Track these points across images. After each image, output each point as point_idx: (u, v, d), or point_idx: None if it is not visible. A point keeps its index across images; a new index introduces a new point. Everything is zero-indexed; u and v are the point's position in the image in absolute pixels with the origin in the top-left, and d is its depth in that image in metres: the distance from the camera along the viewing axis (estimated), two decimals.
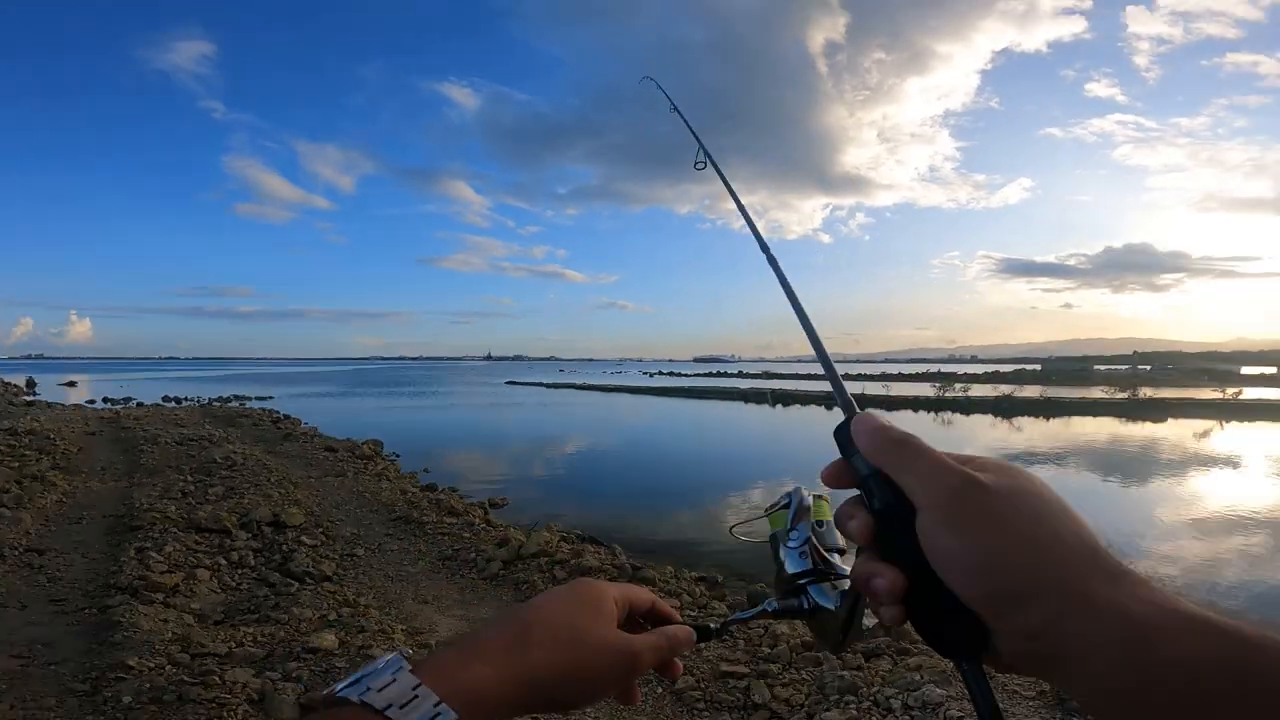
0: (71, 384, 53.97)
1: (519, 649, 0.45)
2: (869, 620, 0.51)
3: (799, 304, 0.64)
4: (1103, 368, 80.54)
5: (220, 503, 8.10)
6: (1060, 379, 64.39)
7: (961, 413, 32.45)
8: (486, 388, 56.97)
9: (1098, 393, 41.52)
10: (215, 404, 30.93)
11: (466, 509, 8.57)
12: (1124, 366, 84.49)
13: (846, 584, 0.52)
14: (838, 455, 0.46)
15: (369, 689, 0.40)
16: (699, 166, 0.90)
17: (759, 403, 37.73)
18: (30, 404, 27.07)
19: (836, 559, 0.54)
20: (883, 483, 0.43)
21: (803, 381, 58.90)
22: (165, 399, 34.70)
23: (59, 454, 11.68)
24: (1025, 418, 29.68)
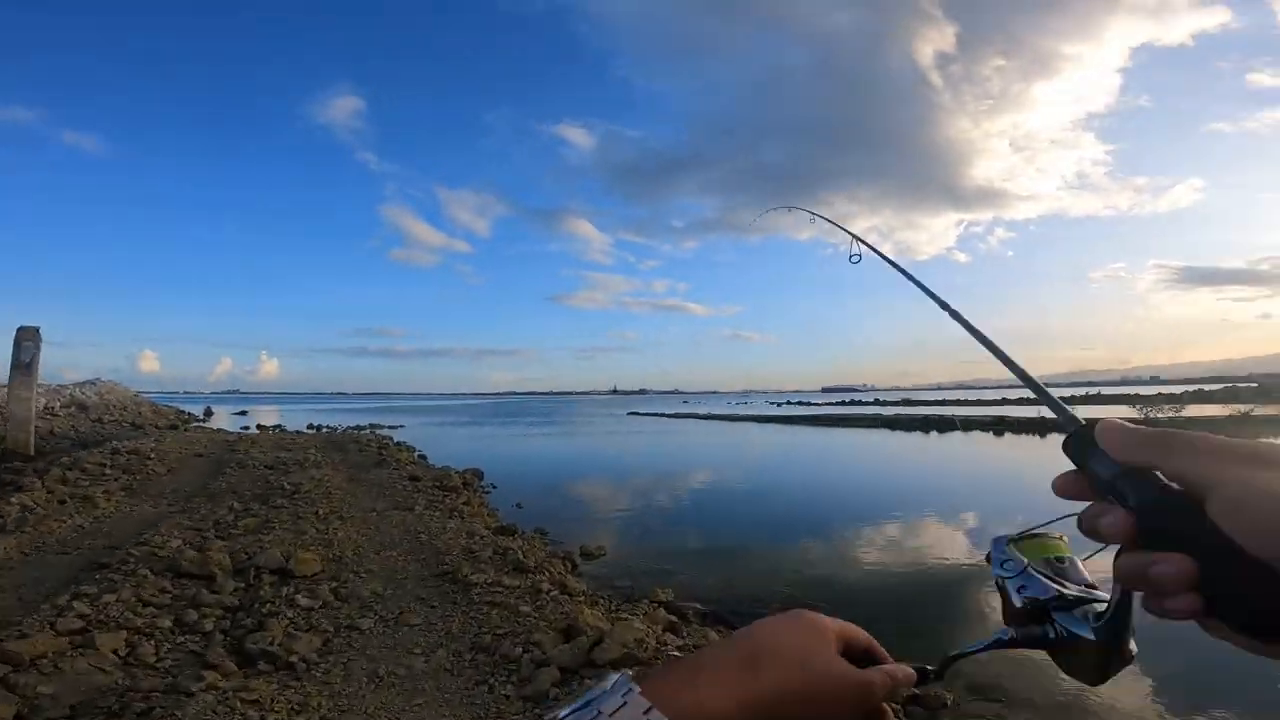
0: (242, 413, 59.53)
1: (750, 670, 0.44)
2: (1135, 643, 0.46)
3: (990, 341, 0.65)
4: None
5: (241, 538, 6.45)
6: None
7: None
8: (609, 419, 55.83)
9: None
10: (347, 431, 31.68)
11: (541, 563, 6.28)
12: None
13: (1100, 607, 0.46)
14: (1054, 480, 0.43)
15: (599, 713, 0.40)
16: (854, 260, 0.94)
17: (909, 430, 32.93)
18: (189, 428, 29.02)
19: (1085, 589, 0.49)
20: (1139, 479, 0.39)
21: (954, 408, 52.40)
22: (309, 426, 36.45)
23: (143, 475, 11.01)
24: None
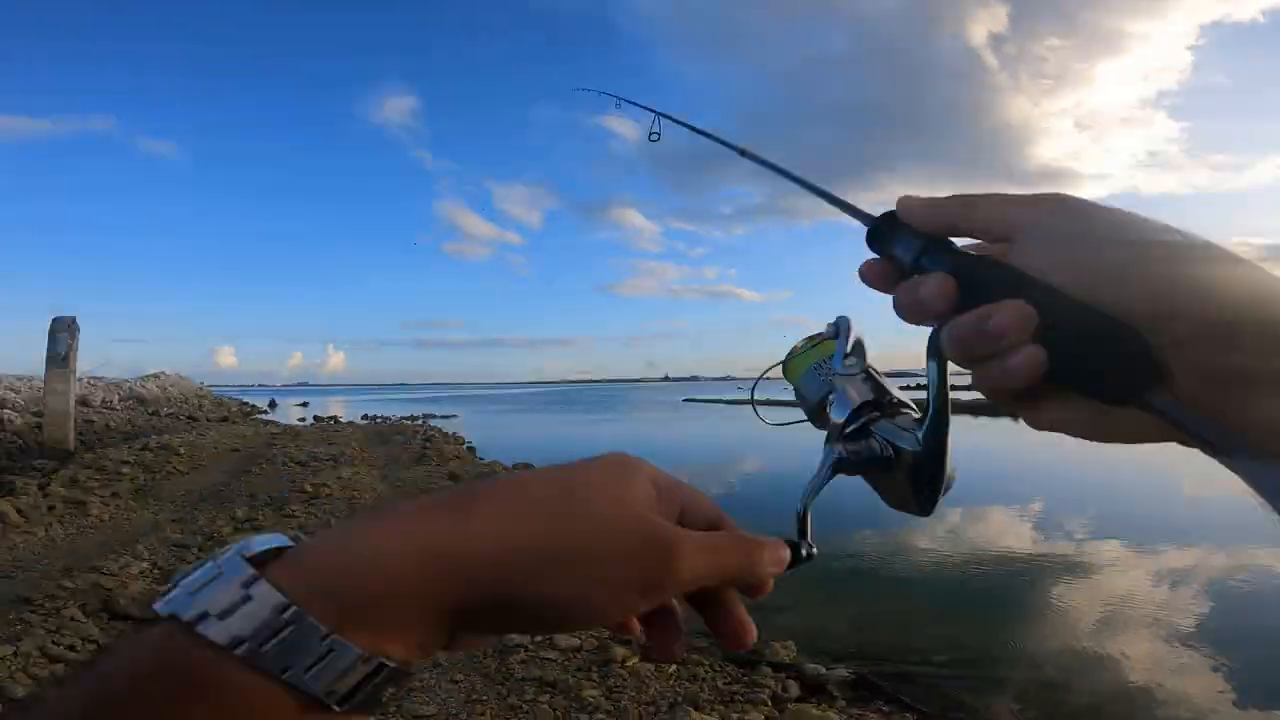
0: (304, 404, 60.71)
1: (457, 512, 0.28)
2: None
3: (787, 170, 0.55)
4: None
5: None
6: None
7: None
8: (664, 406, 54.16)
9: None
10: (400, 421, 31.11)
11: None
12: None
13: (915, 414, 0.41)
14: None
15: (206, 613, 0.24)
16: (654, 139, 0.87)
17: (995, 415, 30.10)
18: (248, 420, 28.91)
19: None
20: (946, 244, 0.36)
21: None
22: (363, 417, 36.33)
23: (163, 473, 10.00)
24: None
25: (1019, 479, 13.35)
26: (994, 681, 4.33)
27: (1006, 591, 6.32)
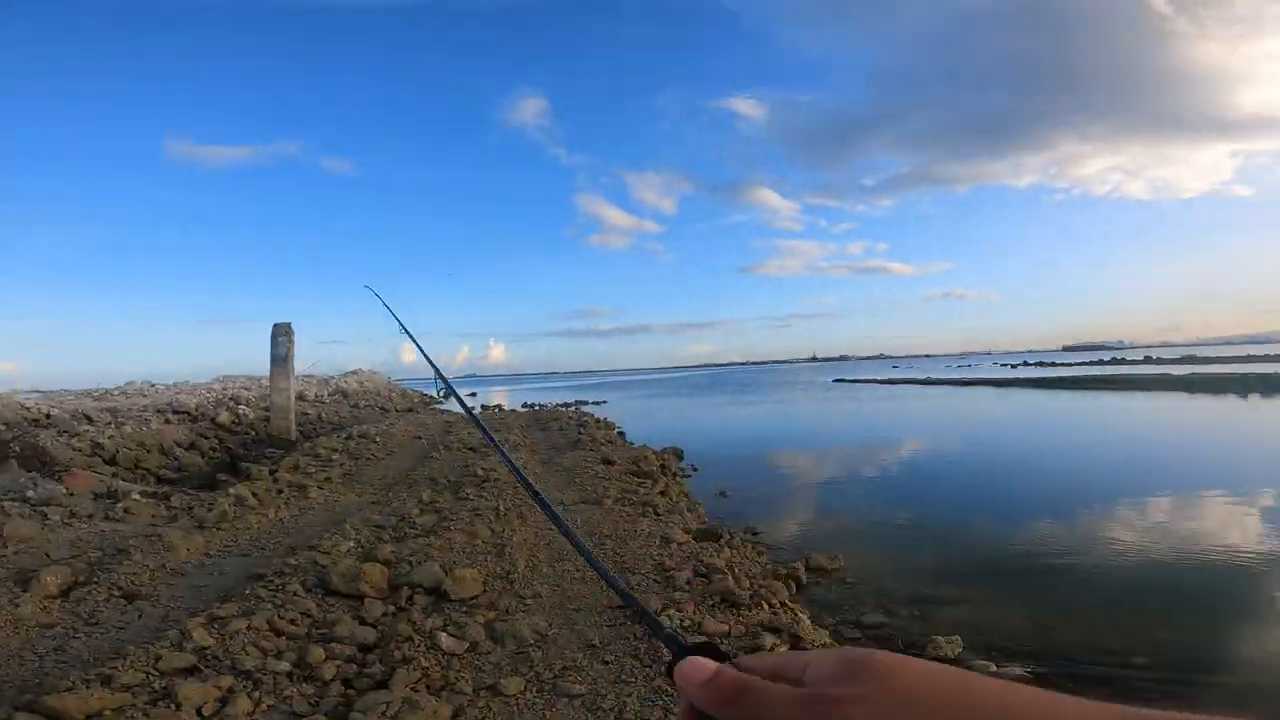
0: (473, 394, 66.48)
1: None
2: None
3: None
4: None
5: (414, 539, 5.71)
6: None
7: None
8: (813, 387, 52.32)
9: None
10: (555, 408, 32.97)
11: (759, 589, 4.61)
12: None
13: None
14: None
15: None
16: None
17: (1215, 392, 25.52)
18: (429, 407, 32.27)
19: None
20: None
21: (1258, 365, 40.53)
22: (524, 404, 39.01)
23: (364, 459, 11.43)
24: None
25: (1237, 464, 11.28)
26: (1208, 686, 3.77)
27: (1224, 590, 5.39)
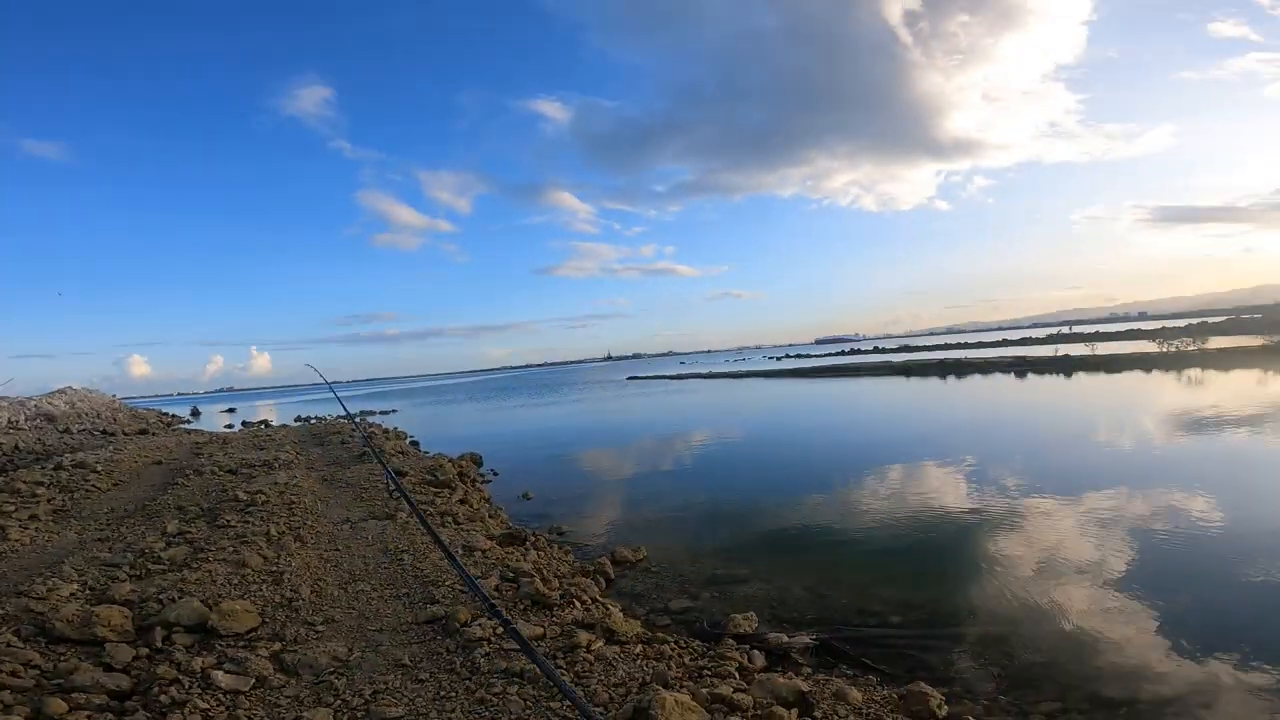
0: (230, 410, 57.64)
1: None
2: None
3: None
4: None
5: (163, 575, 4.81)
6: None
7: (1216, 369, 24.59)
8: (609, 386, 54.15)
9: None
10: (336, 420, 29.93)
11: (569, 589, 4.63)
12: None
13: None
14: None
15: None
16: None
17: (924, 375, 31.48)
18: (170, 430, 27.22)
19: None
20: None
21: (962, 351, 51.10)
22: (297, 419, 34.88)
23: (82, 491, 9.34)
24: None
25: (947, 435, 14.08)
26: (950, 639, 4.46)
27: (951, 548, 6.64)
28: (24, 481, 9.79)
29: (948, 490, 8.73)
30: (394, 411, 38.31)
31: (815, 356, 75.15)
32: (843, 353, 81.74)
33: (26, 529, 6.95)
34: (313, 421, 30.57)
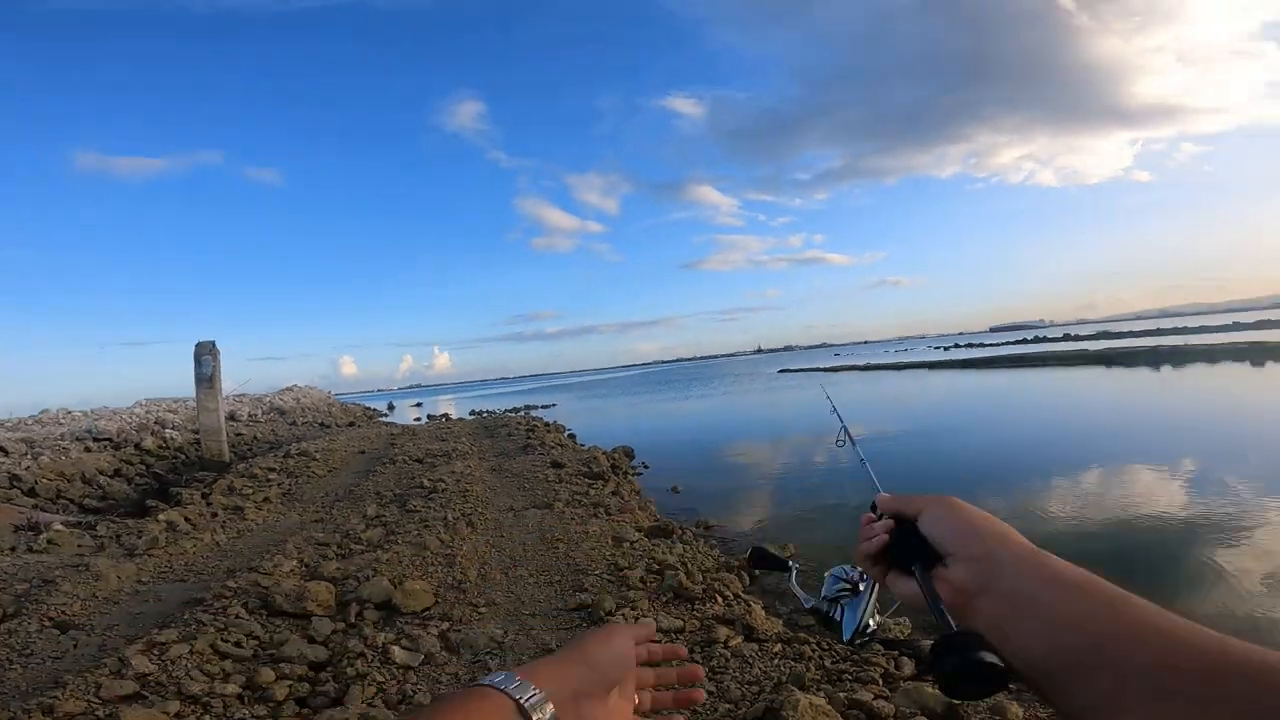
0: (418, 405, 64.85)
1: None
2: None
3: None
4: None
5: (360, 555, 5.58)
6: None
7: None
8: (759, 378, 53.29)
9: None
10: (504, 414, 32.50)
11: (711, 583, 4.68)
12: None
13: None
14: None
15: (509, 688, 0.53)
16: (840, 444, 1.39)
17: (1129, 365, 27.33)
18: (371, 423, 31.26)
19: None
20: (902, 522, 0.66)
21: (1175, 336, 43.68)
22: (471, 412, 38.29)
23: (304, 476, 11.04)
24: None
25: (1154, 432, 12.14)
26: None
27: (1157, 558, 5.80)
28: (260, 468, 11.77)
29: (1157, 493, 7.55)
30: (554, 406, 40.69)
31: (990, 345, 68.16)
32: (1024, 340, 73.37)
33: (260, 510, 8.36)
34: (485, 415, 33.48)
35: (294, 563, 5.47)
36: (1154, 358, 28.12)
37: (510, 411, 34.56)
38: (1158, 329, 64.64)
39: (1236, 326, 56.86)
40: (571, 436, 18.96)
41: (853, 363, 57.15)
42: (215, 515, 7.93)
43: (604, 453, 12.75)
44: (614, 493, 8.65)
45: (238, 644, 3.82)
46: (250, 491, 9.49)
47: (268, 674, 3.42)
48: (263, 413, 28.84)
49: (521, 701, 0.51)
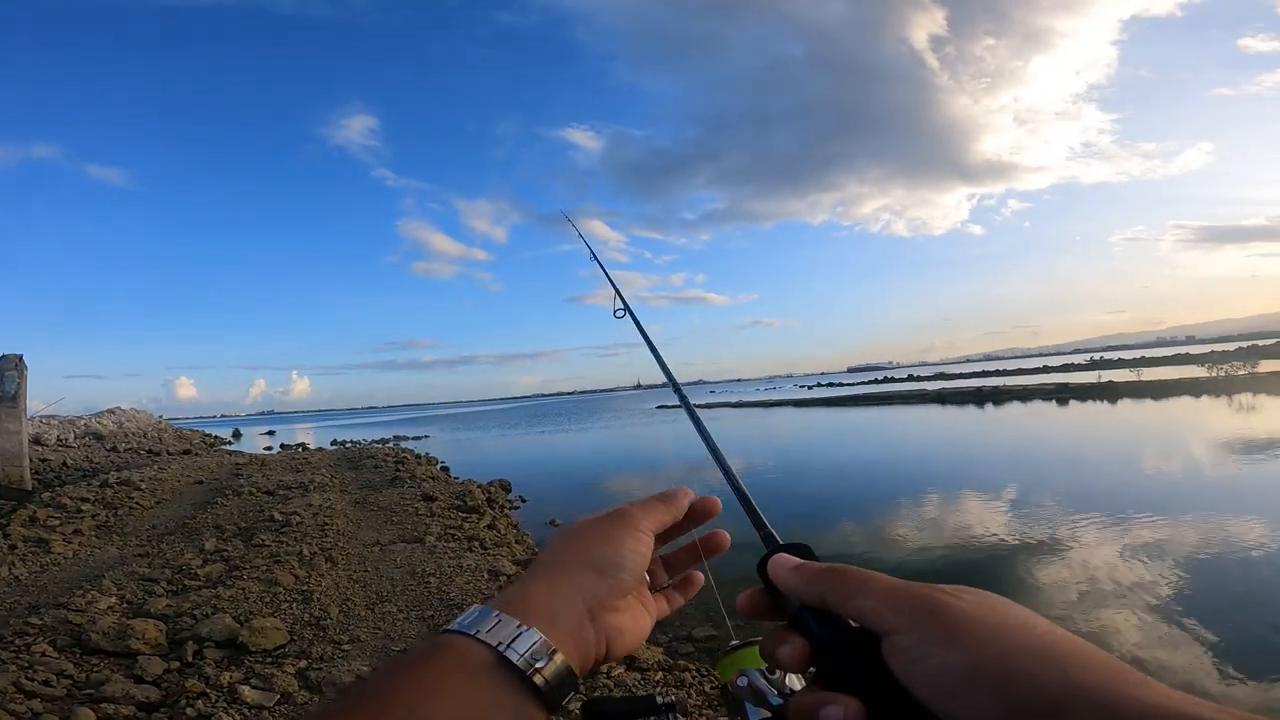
0: (270, 433, 59.21)
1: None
2: None
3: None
4: None
5: (197, 592, 4.97)
6: None
7: (1270, 393, 23.56)
8: (638, 414, 54.08)
9: None
10: (370, 445, 30.48)
11: None
12: None
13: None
14: None
15: (479, 630, 0.38)
16: (619, 315, 0.93)
17: (960, 404, 30.78)
18: (212, 451, 28.04)
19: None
20: (821, 615, 0.39)
21: (1000, 379, 49.91)
22: (332, 442, 35.53)
23: (126, 509, 9.70)
24: None
25: (982, 464, 13.73)
26: None
27: (990, 574, 6.48)
28: (70, 497, 10.20)
29: (985, 518, 8.50)
30: (426, 437, 38.83)
31: (847, 385, 74.07)
32: (875, 381, 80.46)
33: (70, 543, 7.25)
34: (348, 445, 31.19)
35: (112, 599, 4.78)
36: (979, 397, 31.93)
37: (378, 442, 32.44)
38: (982, 371, 73.44)
39: (1045, 370, 65.90)
40: (445, 469, 18.16)
41: (726, 400, 59.74)
42: (14, 548, 6.76)
43: (479, 486, 12.33)
44: (489, 526, 8.37)
45: (46, 683, 3.29)
46: (57, 523, 8.20)
47: (87, 714, 2.97)
48: (75, 436, 25.10)
49: (499, 647, 0.37)
